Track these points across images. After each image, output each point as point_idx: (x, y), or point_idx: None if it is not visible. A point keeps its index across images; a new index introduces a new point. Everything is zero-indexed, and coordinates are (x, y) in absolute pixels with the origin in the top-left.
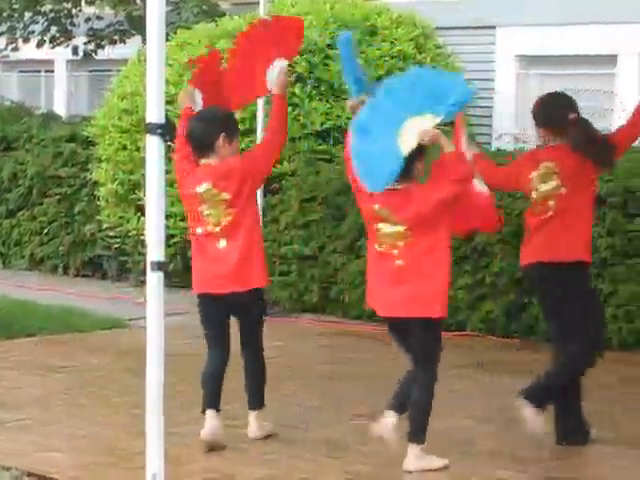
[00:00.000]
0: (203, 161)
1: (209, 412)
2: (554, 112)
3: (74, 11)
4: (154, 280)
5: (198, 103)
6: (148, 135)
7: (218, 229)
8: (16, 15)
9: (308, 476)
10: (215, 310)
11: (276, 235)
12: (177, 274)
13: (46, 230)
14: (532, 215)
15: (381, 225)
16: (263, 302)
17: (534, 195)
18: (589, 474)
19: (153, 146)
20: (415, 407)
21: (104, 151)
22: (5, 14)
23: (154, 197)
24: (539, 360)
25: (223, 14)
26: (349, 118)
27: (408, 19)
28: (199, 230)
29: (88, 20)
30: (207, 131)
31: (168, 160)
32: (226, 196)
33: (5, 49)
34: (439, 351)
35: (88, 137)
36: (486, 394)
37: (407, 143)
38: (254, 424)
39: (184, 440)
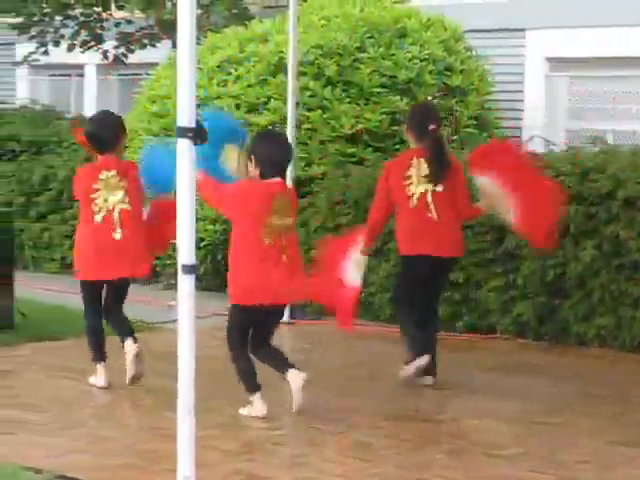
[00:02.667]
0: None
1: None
2: (418, 120)
3: (104, 15)
4: (185, 283)
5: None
6: (179, 139)
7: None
8: (47, 19)
9: (338, 479)
10: None
11: (306, 238)
12: (206, 277)
13: None
14: (410, 211)
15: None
16: None
17: (412, 191)
18: (618, 476)
19: (184, 149)
20: None
21: (134, 155)
22: (36, 18)
23: (185, 200)
24: (567, 363)
25: (252, 17)
26: (380, 121)
27: (437, 22)
28: None
29: (118, 24)
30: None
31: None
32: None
33: (36, 53)
34: None
35: None
36: (511, 396)
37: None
38: None
39: (214, 443)
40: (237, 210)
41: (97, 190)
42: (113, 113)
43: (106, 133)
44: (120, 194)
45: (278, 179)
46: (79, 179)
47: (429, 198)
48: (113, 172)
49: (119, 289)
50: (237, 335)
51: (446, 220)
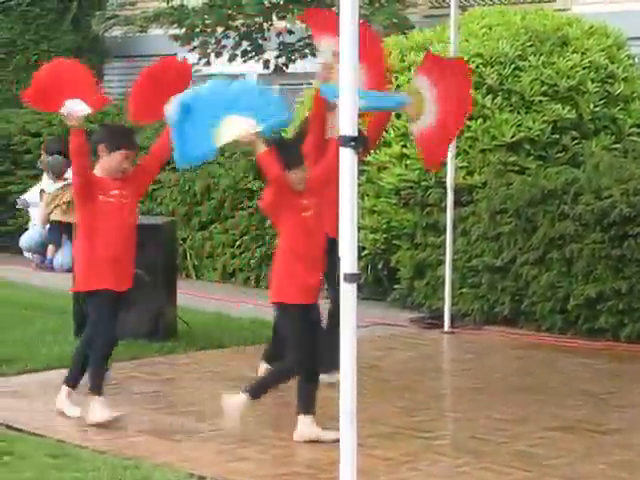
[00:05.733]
0: None
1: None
2: None
3: (265, 25)
4: (348, 291)
5: None
6: (341, 147)
7: None
8: (208, 30)
9: None
10: None
11: (467, 247)
12: (367, 287)
13: (238, 243)
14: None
15: None
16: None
17: None
18: None
19: (346, 158)
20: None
21: None
22: (198, 29)
23: (347, 209)
24: None
25: (413, 26)
26: (541, 129)
27: (600, 29)
28: None
29: (279, 34)
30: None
31: (360, 172)
32: None
33: (197, 63)
34: None
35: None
36: None
37: (224, 136)
38: None
39: (376, 452)
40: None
41: None
42: None
43: None
44: None
45: None
46: None
47: None
48: None
49: None
50: None
51: None
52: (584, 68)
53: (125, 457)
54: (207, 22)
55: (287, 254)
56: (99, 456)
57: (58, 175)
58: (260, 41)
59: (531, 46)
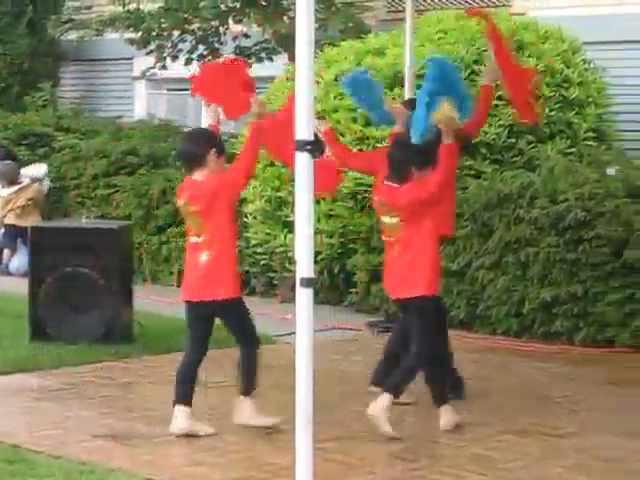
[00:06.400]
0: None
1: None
2: None
3: (222, 29)
4: (304, 296)
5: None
6: (297, 152)
7: (200, 240)
8: (164, 34)
9: None
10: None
11: None
12: (323, 291)
13: None
14: None
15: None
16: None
17: None
18: None
19: (302, 162)
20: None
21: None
22: (154, 33)
23: (304, 213)
24: None
25: (369, 31)
26: (497, 134)
27: (555, 34)
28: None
29: (235, 38)
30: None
31: None
32: (197, 209)
33: (153, 67)
34: None
35: (236, 154)
36: (632, 411)
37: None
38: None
39: (331, 456)
40: None
41: None
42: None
43: None
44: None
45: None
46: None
47: None
48: None
49: None
50: None
51: None
52: (539, 72)
53: (80, 462)
54: (163, 26)
55: (434, 248)
56: (54, 461)
57: (10, 180)
58: (216, 45)
59: (487, 50)
